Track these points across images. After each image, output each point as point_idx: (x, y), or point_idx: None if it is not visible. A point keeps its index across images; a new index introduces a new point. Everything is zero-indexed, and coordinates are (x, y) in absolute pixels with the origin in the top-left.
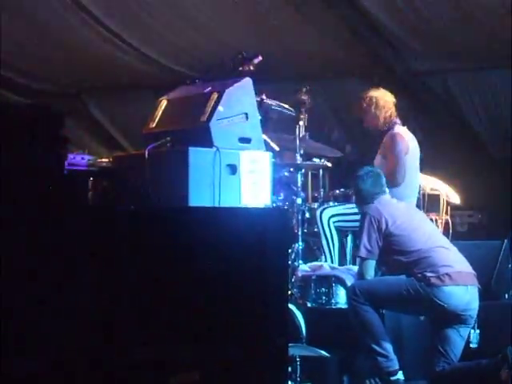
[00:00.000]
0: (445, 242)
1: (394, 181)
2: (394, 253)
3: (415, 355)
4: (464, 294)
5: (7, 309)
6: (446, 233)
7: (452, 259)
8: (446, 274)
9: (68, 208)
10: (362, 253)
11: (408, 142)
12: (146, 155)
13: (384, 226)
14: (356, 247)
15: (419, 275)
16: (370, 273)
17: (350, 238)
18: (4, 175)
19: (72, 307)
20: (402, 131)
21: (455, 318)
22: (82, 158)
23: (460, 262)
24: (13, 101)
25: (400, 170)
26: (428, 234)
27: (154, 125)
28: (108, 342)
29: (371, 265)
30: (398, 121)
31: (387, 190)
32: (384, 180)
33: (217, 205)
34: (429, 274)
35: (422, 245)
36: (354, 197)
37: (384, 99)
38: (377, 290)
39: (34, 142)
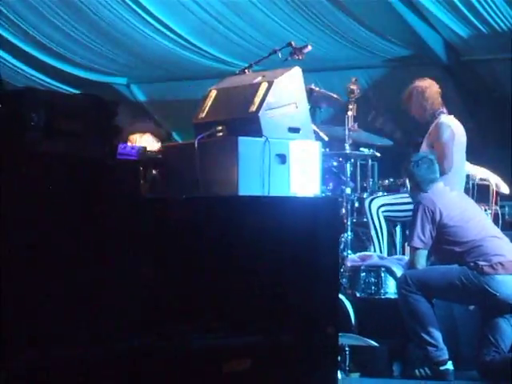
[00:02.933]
0: (497, 231)
1: (441, 169)
2: (447, 243)
3: (466, 345)
4: None
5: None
6: (495, 223)
7: (505, 248)
8: (499, 262)
9: (120, 197)
10: (416, 243)
11: (454, 130)
12: (196, 145)
13: (438, 217)
14: (408, 237)
15: (472, 264)
16: (422, 263)
17: (398, 228)
18: (57, 164)
19: (128, 297)
20: (449, 120)
21: (506, 307)
22: (133, 148)
23: None
24: (66, 91)
25: (447, 157)
26: (481, 224)
27: (203, 115)
28: (162, 330)
29: (423, 255)
30: (445, 110)
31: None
32: (437, 167)
33: (266, 194)
34: (481, 263)
35: (475, 235)
36: (407, 185)
37: (429, 89)
38: (429, 279)
39: (87, 132)
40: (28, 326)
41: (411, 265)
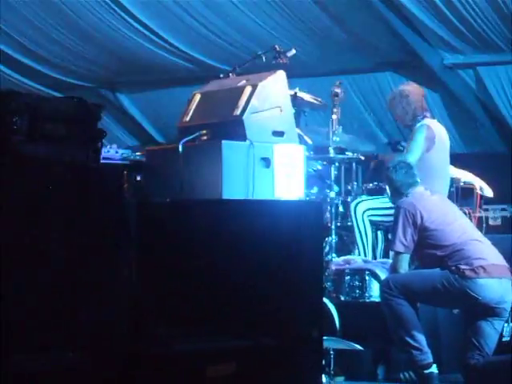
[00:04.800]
0: (478, 235)
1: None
2: (429, 247)
3: (450, 349)
4: (498, 287)
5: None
6: (479, 226)
7: (486, 252)
8: (481, 266)
9: (104, 201)
10: (398, 247)
11: (437, 133)
12: (180, 149)
13: (419, 221)
14: (390, 241)
15: (453, 268)
16: (405, 267)
17: (380, 232)
18: (40, 168)
19: (110, 300)
20: (431, 123)
21: (489, 311)
22: (116, 152)
23: (494, 254)
24: (49, 95)
25: (413, 152)
26: (462, 228)
27: (187, 118)
28: (144, 333)
29: (406, 259)
30: (428, 114)
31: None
32: (416, 170)
33: (250, 198)
34: (463, 267)
35: (457, 239)
36: (387, 191)
37: (413, 93)
38: (411, 284)
39: (70, 135)
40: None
41: (394, 269)
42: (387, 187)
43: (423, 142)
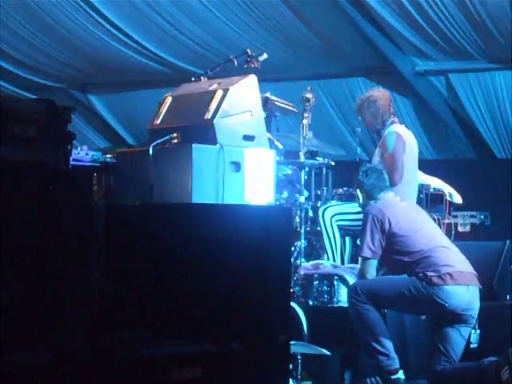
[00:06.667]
0: (446, 242)
1: (391, 180)
2: (396, 253)
3: (417, 355)
4: (465, 294)
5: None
6: (448, 233)
7: (453, 259)
8: (448, 273)
9: (72, 203)
10: (365, 252)
11: (406, 140)
12: (151, 151)
13: (387, 227)
14: (358, 247)
15: (421, 274)
16: (372, 272)
17: (348, 238)
18: (8, 170)
19: (76, 302)
20: (400, 129)
21: (456, 318)
22: (87, 154)
23: (461, 261)
24: (18, 96)
25: (398, 168)
26: (430, 235)
27: (158, 121)
28: (109, 335)
29: (373, 264)
30: (396, 119)
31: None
32: (387, 176)
33: (220, 202)
34: (430, 274)
35: (424, 245)
36: (358, 196)
37: (381, 99)
38: (378, 289)
39: (40, 137)
40: None
41: (361, 275)
42: (358, 191)
43: (402, 155)
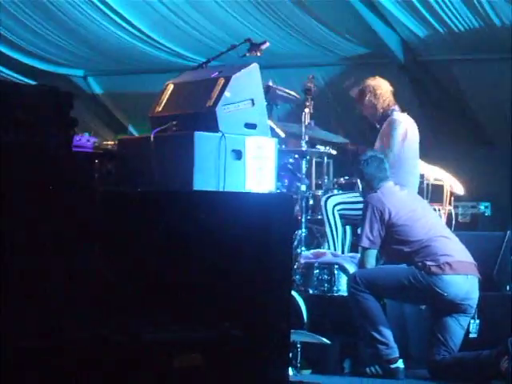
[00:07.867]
0: (446, 231)
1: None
2: (396, 242)
3: (417, 344)
4: (464, 284)
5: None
6: (448, 223)
7: (452, 248)
8: (447, 262)
9: (73, 189)
10: (364, 242)
11: (407, 127)
12: (152, 139)
13: (387, 217)
14: (358, 236)
15: (420, 264)
16: (371, 262)
17: (348, 227)
18: (10, 154)
19: (78, 289)
20: (402, 117)
21: (455, 307)
22: (88, 140)
23: (461, 251)
24: (21, 82)
25: (392, 149)
26: (430, 224)
27: (160, 109)
28: (111, 322)
29: (372, 254)
30: (397, 108)
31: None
32: (387, 165)
33: (221, 189)
34: (429, 263)
35: (424, 235)
36: (358, 184)
37: (381, 88)
38: (377, 279)
39: (41, 123)
40: None
41: (361, 264)
42: (358, 181)
43: (400, 139)
